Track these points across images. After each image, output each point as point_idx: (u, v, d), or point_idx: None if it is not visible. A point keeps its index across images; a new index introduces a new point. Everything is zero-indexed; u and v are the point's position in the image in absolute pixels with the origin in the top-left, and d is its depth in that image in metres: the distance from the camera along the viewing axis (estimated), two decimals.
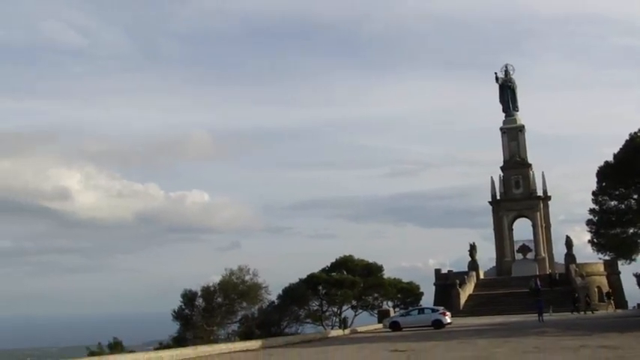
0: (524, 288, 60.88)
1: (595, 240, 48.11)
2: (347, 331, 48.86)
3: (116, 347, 43.39)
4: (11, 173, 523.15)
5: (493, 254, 75.08)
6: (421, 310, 47.50)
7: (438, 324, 43.42)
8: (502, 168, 75.84)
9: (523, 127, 77.01)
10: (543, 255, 72.18)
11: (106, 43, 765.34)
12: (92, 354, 39.81)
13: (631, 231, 46.30)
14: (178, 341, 44.16)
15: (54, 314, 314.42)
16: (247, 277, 46.21)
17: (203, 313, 45.60)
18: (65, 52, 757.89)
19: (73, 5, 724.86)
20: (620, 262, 56.77)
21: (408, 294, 63.41)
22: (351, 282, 58.55)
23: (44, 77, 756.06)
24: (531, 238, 73.56)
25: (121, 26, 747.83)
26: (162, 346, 43.68)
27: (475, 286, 66.91)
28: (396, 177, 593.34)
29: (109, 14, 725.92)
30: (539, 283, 60.10)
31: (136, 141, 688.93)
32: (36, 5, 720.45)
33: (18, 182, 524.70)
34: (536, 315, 45.29)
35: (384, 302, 62.25)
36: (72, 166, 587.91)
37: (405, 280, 64.98)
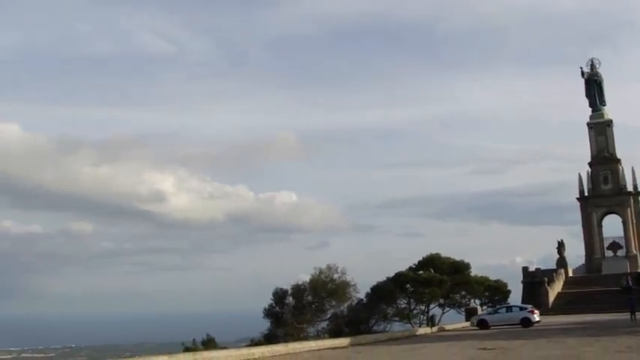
0: (615, 286, 59.59)
1: None
2: (434, 329, 49.12)
3: (209, 343, 44.92)
4: (110, 178, 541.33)
5: (581, 251, 73.64)
6: (509, 308, 47.34)
7: (527, 322, 43.19)
8: (590, 164, 74.33)
9: (611, 121, 75.23)
10: (635, 252, 70.37)
11: (193, 51, 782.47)
12: (187, 350, 41.38)
13: None
14: (269, 338, 45.34)
15: (151, 311, 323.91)
16: (336, 276, 47.09)
17: (293, 310, 46.70)
18: (155, 61, 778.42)
19: (161, 15, 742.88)
20: None
21: (495, 292, 63.07)
22: (438, 280, 58.69)
23: (137, 86, 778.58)
24: (622, 234, 71.87)
25: (207, 34, 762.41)
26: (254, 342, 44.92)
27: (564, 284, 65.91)
28: (481, 174, 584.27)
29: (195, 23, 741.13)
30: (630, 281, 58.81)
31: (226, 144, 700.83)
32: (127, 18, 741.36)
33: (116, 187, 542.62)
34: (628, 314, 44.50)
35: (472, 300, 62.17)
36: (165, 171, 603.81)
37: (492, 278, 64.70)
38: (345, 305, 48.44)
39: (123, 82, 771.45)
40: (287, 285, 48.49)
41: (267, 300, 48.89)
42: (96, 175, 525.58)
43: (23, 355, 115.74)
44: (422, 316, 60.68)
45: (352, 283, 47.41)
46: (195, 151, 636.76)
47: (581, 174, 74.12)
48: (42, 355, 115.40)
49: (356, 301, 49.79)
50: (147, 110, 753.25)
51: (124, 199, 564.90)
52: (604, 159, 73.63)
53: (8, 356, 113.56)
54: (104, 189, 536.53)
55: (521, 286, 68.17)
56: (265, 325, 48.51)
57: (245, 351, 34.67)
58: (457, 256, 63.44)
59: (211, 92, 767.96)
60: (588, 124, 75.38)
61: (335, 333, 44.99)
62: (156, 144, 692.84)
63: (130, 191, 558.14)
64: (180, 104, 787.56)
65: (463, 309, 60.36)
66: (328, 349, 36.25)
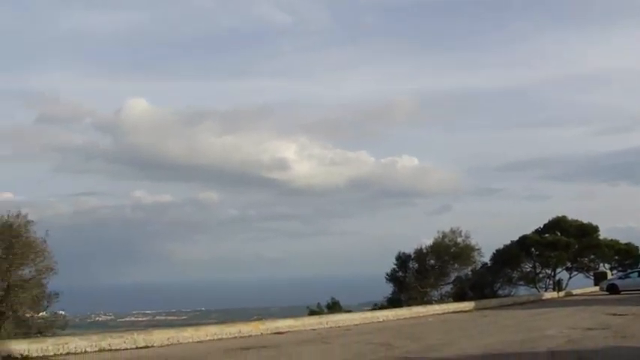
0: None
1: None
2: (561, 294, 48.17)
3: (334, 307, 45.66)
4: (234, 148, 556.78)
5: None
6: None
7: None
8: None
9: None
10: None
11: (310, 20, 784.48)
12: (312, 313, 42.29)
13: None
14: (393, 302, 45.63)
15: (276, 276, 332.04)
16: (459, 240, 46.65)
17: (416, 274, 46.69)
18: (274, 32, 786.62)
19: None
20: None
21: (626, 256, 60.81)
22: (565, 243, 57.15)
23: (258, 57, 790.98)
24: None
25: (324, 2, 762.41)
26: (378, 306, 45.37)
27: None
28: (610, 134, 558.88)
29: None
30: None
31: (346, 111, 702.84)
32: None
33: (241, 155, 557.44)
34: None
35: (601, 264, 60.30)
36: (288, 138, 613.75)
37: (622, 241, 62.32)
38: (469, 269, 47.93)
39: (244, 55, 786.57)
40: (409, 249, 48.49)
41: (389, 264, 49.06)
42: (221, 145, 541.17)
43: (157, 317, 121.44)
44: (548, 281, 59.39)
45: (476, 247, 46.83)
46: (317, 118, 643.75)
47: None
48: (175, 317, 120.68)
49: (480, 264, 49.19)
50: (268, 80, 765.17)
51: (248, 167, 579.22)
52: None
53: (144, 318, 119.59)
54: (229, 158, 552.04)
55: None
56: (388, 289, 48.79)
57: (369, 314, 35.20)
58: (584, 219, 61.49)
59: (330, 60, 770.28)
60: None
61: (459, 297, 44.78)
62: (278, 113, 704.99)
63: (253, 160, 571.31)
64: (300, 73, 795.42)
65: (591, 273, 58.71)
66: (452, 312, 36.21)
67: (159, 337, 24.33)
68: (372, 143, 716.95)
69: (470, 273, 48.20)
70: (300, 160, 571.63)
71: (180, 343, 24.19)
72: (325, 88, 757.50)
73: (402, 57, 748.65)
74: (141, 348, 22.97)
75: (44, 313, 28.01)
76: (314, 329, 29.21)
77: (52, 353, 21.28)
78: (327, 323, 30.65)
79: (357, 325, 31.10)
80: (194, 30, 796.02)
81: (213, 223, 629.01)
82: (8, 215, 26.74)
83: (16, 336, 24.74)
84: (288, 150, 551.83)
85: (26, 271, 26.70)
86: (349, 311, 40.51)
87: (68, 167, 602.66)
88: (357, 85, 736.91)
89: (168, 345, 23.74)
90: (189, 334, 25.26)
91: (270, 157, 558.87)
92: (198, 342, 24.78)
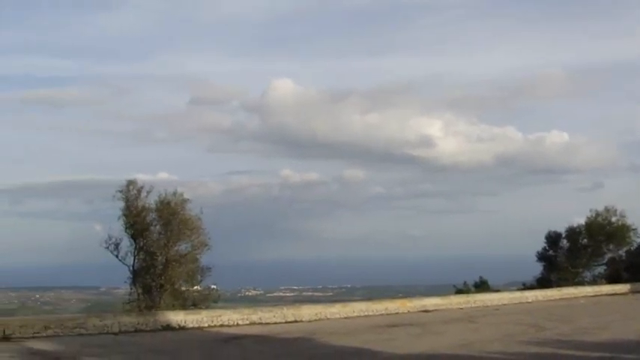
0: None
1: None
2: None
3: (482, 286, 44.94)
4: (379, 125, 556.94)
5: None
6: None
7: None
8: None
9: None
10: None
11: None
12: (459, 292, 41.82)
13: None
14: (542, 282, 44.36)
15: (420, 254, 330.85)
16: (614, 219, 44.61)
17: (567, 254, 45.12)
18: (415, 8, 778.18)
19: None
20: None
21: None
22: None
23: (400, 34, 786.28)
24: None
25: None
26: (526, 286, 44.25)
27: None
28: None
29: None
30: None
31: (492, 85, 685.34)
32: None
33: (385, 133, 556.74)
34: None
35: None
36: (432, 115, 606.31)
37: None
38: (624, 250, 45.75)
39: (385, 32, 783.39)
40: (560, 228, 46.88)
41: (537, 243, 47.66)
42: (365, 123, 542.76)
43: (304, 293, 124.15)
44: None
45: (632, 227, 44.55)
46: (461, 94, 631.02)
47: None
48: (321, 294, 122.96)
49: (636, 245, 46.81)
50: (411, 56, 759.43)
51: (393, 145, 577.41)
52: None
53: (291, 294, 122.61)
54: (374, 136, 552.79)
55: None
56: (536, 269, 47.44)
57: (518, 294, 34.48)
58: None
59: (473, 34, 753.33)
60: None
61: (613, 278, 42.86)
62: (422, 89, 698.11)
63: (398, 137, 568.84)
64: (444, 48, 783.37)
65: None
66: (606, 295, 34.86)
67: (307, 312, 24.90)
68: (519, 118, 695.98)
69: (624, 254, 46.00)
70: (446, 136, 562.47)
71: (328, 319, 24.65)
72: (470, 63, 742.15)
73: (550, 26, 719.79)
74: (290, 322, 23.60)
75: (198, 286, 29.27)
76: (461, 308, 28.97)
77: (206, 324, 22.27)
78: (474, 302, 30.32)
79: (504, 304, 30.57)
80: (335, 9, 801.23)
81: (359, 200, 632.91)
82: (166, 194, 28.17)
83: (174, 307, 26.02)
84: (433, 127, 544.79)
85: (182, 247, 28.02)
86: (497, 291, 39.79)
87: (219, 147, 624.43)
88: (501, 59, 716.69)
89: (316, 320, 24.25)
90: (336, 310, 25.70)
91: (415, 134, 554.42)
92: (345, 318, 25.16)
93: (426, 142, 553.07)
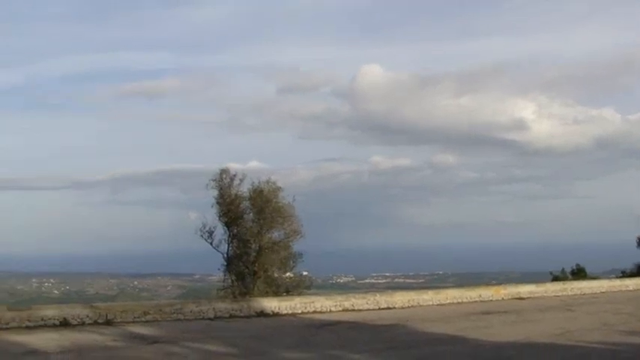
0: None
1: None
2: None
3: (579, 274, 43.78)
4: (470, 109, 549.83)
5: None
6: None
7: None
8: None
9: None
10: None
11: None
12: (555, 279, 40.87)
13: None
14: None
15: (514, 241, 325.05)
16: None
17: None
18: None
19: None
20: None
21: None
22: None
23: (490, 15, 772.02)
24: None
25: None
26: (626, 274, 42.86)
27: None
28: None
29: None
30: None
31: (588, 66, 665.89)
32: None
33: (477, 116, 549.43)
34: None
35: None
36: (526, 97, 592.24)
37: None
38: None
39: (477, 13, 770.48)
40: None
41: (638, 229, 46.13)
42: (456, 107, 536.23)
43: (396, 280, 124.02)
44: None
45: None
46: (556, 74, 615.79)
47: None
48: (412, 280, 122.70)
49: None
50: (504, 37, 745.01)
51: (485, 128, 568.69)
52: None
53: (383, 280, 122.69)
54: (465, 120, 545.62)
55: None
56: (638, 255, 45.93)
57: (617, 282, 33.40)
58: None
59: (568, 12, 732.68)
60: None
61: None
62: (514, 71, 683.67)
63: (490, 121, 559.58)
64: (537, 28, 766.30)
65: None
66: None
67: (400, 299, 24.82)
68: (617, 99, 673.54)
69: None
70: (540, 119, 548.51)
71: (421, 306, 24.51)
72: (563, 43, 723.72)
73: None
74: (383, 309, 23.60)
75: (290, 273, 29.62)
76: (557, 296, 28.30)
77: (299, 311, 22.49)
78: (570, 290, 29.55)
79: (603, 292, 29.68)
80: None
81: (450, 186, 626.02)
82: (259, 182, 28.59)
83: (267, 294, 26.43)
84: (526, 109, 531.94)
85: (275, 234, 28.41)
86: (595, 278, 38.65)
87: (309, 134, 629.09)
88: (598, 37, 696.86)
89: (409, 307, 24.16)
90: (429, 297, 25.52)
91: (508, 117, 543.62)
92: (438, 305, 24.95)
93: (520, 125, 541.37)
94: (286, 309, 22.45)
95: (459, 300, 25.94)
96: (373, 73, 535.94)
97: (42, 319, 18.70)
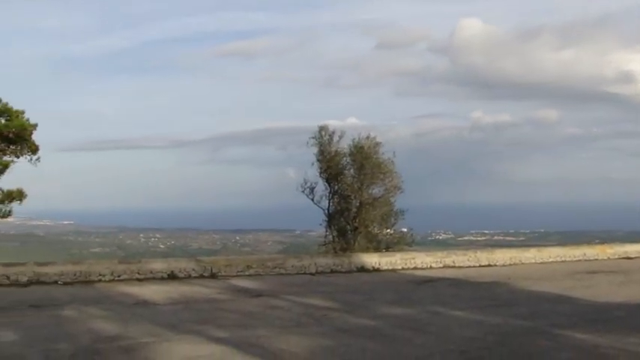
0: None
1: None
2: None
3: None
4: (574, 62, 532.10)
5: None
6: None
7: None
8: None
9: None
10: None
11: None
12: None
13: None
14: None
15: (620, 199, 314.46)
16: None
17: None
18: None
19: None
20: None
21: None
22: None
23: None
24: None
25: None
26: None
27: None
28: None
29: None
30: None
31: None
32: None
33: (581, 70, 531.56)
34: None
35: None
36: (634, 49, 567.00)
37: None
38: None
39: None
40: None
41: None
42: (558, 60, 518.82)
43: (495, 237, 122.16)
44: None
45: None
46: None
47: None
48: (512, 238, 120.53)
49: None
50: None
51: (589, 82, 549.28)
52: None
53: (482, 238, 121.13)
54: (568, 74, 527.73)
55: None
56: None
57: None
58: None
59: None
60: None
61: None
62: (621, 21, 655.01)
63: (595, 74, 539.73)
64: None
65: None
66: None
67: (501, 256, 24.56)
68: None
69: None
70: None
71: (523, 264, 24.18)
72: None
73: None
74: (484, 266, 23.41)
75: (389, 230, 29.66)
76: None
77: (399, 267, 22.59)
78: None
79: None
80: None
81: (553, 142, 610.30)
82: (359, 138, 28.61)
83: (367, 250, 26.61)
84: (634, 62, 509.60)
85: (376, 190, 28.50)
86: None
87: (407, 91, 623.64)
88: None
89: (510, 265, 23.88)
90: (531, 255, 25.13)
91: (614, 70, 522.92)
92: (540, 263, 24.56)
93: (627, 78, 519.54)
94: (386, 265, 22.57)
95: (563, 259, 25.43)
96: (472, 27, 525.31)
97: (151, 272, 19.51)
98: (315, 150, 28.74)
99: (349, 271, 21.69)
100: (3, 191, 21.31)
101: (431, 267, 22.85)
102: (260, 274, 20.43)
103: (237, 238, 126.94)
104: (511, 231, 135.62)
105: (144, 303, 15.23)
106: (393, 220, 29.02)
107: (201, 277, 19.78)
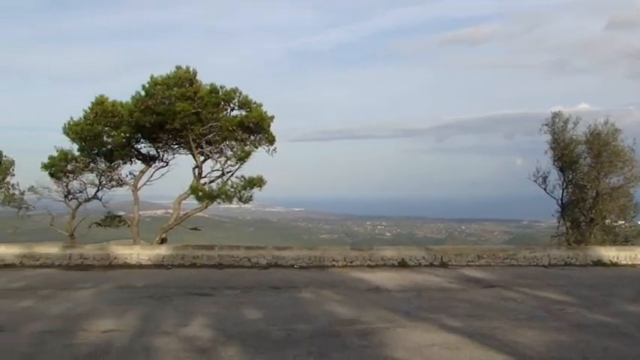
0: None
1: None
2: None
3: None
4: None
5: None
6: None
7: None
8: None
9: None
10: None
11: None
12: None
13: None
14: None
15: None
16: None
17: None
18: None
19: None
20: None
21: None
22: None
23: None
24: None
25: None
26: None
27: None
28: None
29: None
30: None
31: None
32: None
33: None
34: None
35: None
36: None
37: None
38: None
39: None
40: None
41: None
42: None
43: None
44: None
45: None
46: None
47: None
48: None
49: None
50: None
51: None
52: None
53: None
54: None
55: None
56: None
57: None
58: None
59: None
60: None
61: None
62: None
63: None
64: None
65: None
66: None
67: None
68: None
69: None
70: None
71: None
72: None
73: None
74: None
75: (624, 222, 27.95)
76: None
77: None
78: None
79: None
80: None
81: None
82: (595, 124, 27.16)
83: (604, 243, 25.27)
84: None
85: (614, 180, 26.91)
86: None
87: None
88: None
89: None
90: None
91: None
92: None
93: None
94: (626, 259, 21.35)
95: None
96: None
97: (382, 259, 19.91)
98: (548, 137, 27.72)
99: (584, 265, 20.76)
100: (245, 178, 22.65)
101: None
102: (490, 265, 20.15)
103: (463, 227, 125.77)
104: None
105: (376, 289, 15.54)
106: (632, 212, 27.31)
107: (431, 265, 19.87)
